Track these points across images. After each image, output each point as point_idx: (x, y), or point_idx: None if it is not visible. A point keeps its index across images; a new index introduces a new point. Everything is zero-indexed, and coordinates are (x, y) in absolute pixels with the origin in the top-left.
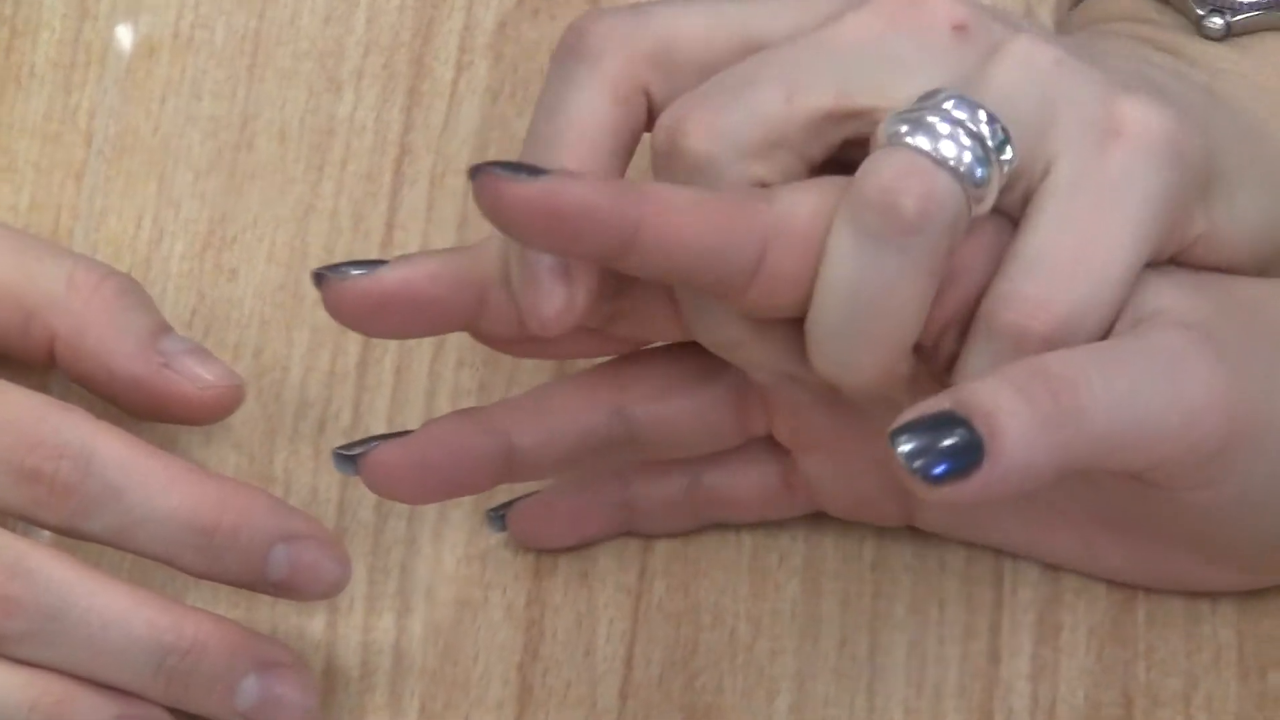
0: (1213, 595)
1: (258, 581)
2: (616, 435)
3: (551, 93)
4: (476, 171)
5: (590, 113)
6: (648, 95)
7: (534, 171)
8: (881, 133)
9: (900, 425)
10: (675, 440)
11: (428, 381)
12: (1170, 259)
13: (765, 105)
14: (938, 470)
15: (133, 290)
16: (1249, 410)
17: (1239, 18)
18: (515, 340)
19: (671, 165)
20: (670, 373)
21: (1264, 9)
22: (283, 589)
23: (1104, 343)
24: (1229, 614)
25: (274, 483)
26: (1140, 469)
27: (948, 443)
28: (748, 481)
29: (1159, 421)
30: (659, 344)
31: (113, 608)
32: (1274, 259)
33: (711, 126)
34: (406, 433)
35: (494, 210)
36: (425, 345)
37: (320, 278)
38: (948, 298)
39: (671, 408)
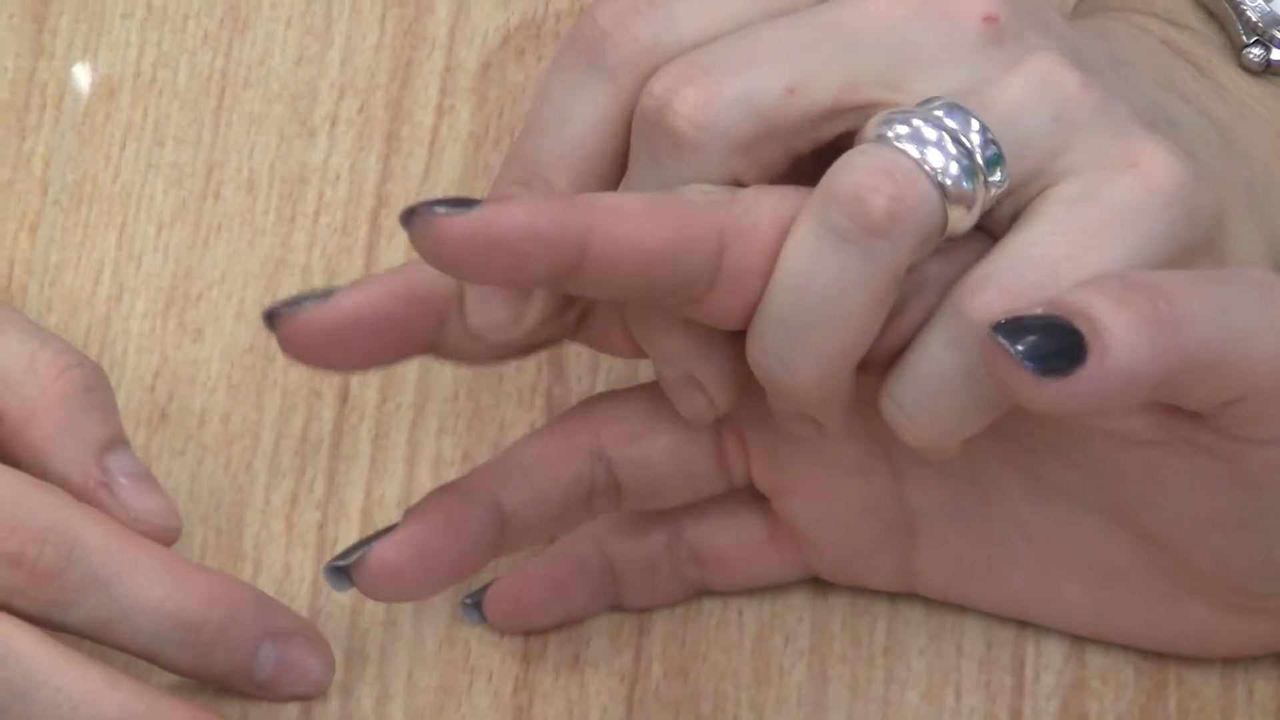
0: (1248, 679)
1: (243, 680)
2: (600, 482)
3: (558, 98)
4: (410, 215)
5: (600, 134)
6: None
7: (466, 204)
8: (870, 129)
9: (996, 325)
10: (656, 485)
11: (407, 449)
12: None
13: (763, 96)
14: (1037, 366)
15: (97, 388)
16: None
17: None
18: (481, 354)
19: (654, 135)
20: (645, 412)
21: None
22: (267, 688)
23: (1190, 270)
24: (1267, 704)
25: (243, 560)
26: (1231, 396)
27: (1049, 341)
28: (730, 534)
29: (1254, 342)
30: (634, 385)
31: (84, 688)
32: None
33: (705, 111)
34: (390, 529)
35: (435, 253)
36: (405, 410)
37: (273, 315)
38: (909, 311)
39: (648, 449)
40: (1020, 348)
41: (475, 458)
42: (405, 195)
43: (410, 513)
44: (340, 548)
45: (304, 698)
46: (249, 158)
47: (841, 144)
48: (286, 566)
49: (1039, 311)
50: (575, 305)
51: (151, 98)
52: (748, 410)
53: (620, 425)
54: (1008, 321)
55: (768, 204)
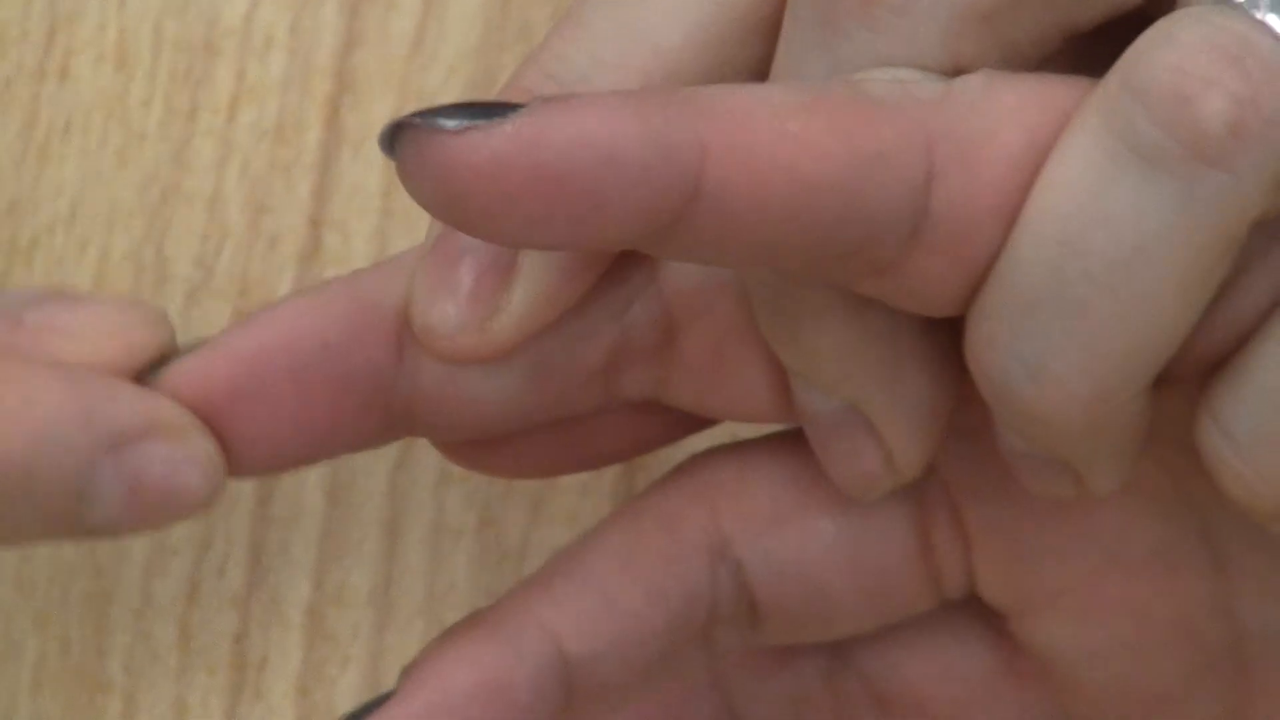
0: None
1: (73, 527)
2: (725, 600)
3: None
4: (397, 133)
5: (712, 36)
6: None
7: (494, 110)
8: None
9: None
10: (814, 603)
11: (385, 507)
12: None
13: None
14: None
15: None
16: None
17: None
18: (480, 440)
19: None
20: (793, 479)
21: None
22: (117, 526)
23: None
24: None
25: (108, 691)
26: None
27: None
28: (936, 664)
29: None
30: (776, 432)
31: None
32: None
33: None
34: (383, 699)
35: (442, 196)
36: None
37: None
38: (1251, 288)
39: (801, 542)
40: None
41: (506, 528)
42: (384, 75)
43: (414, 672)
44: (270, 678)
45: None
46: (119, 9)
47: (1153, 13)
48: (179, 704)
49: None
50: (628, 295)
51: None
52: (968, 471)
53: (753, 502)
54: None
55: (1010, 100)
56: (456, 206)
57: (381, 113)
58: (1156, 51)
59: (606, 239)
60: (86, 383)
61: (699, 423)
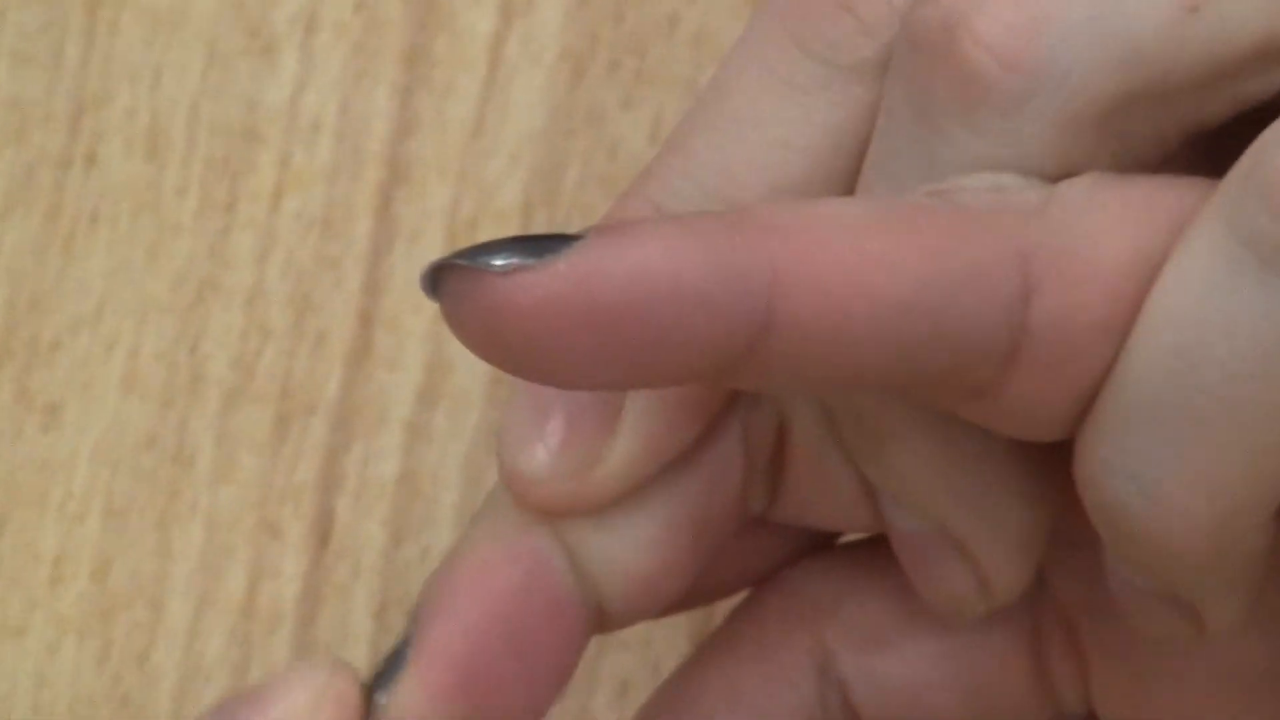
0: None
1: None
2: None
3: (755, 102)
4: (440, 274)
5: (830, 162)
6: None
7: (545, 245)
8: None
9: None
10: None
11: None
12: None
13: (1141, 20)
14: None
15: None
16: None
17: None
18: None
19: (927, 77)
20: (898, 592)
21: None
22: None
23: None
24: None
25: None
26: None
27: None
28: None
29: None
30: (872, 536)
31: None
32: None
33: (1029, 37)
34: None
35: (492, 340)
36: (438, 558)
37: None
38: None
39: (908, 661)
40: None
41: None
42: (440, 163)
43: None
44: None
45: None
46: (151, 91)
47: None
48: None
49: None
50: (745, 407)
51: None
52: (1081, 586)
53: (853, 619)
54: None
55: (1116, 206)
56: (507, 353)
57: (438, 203)
58: (1273, 151)
59: (671, 377)
60: None
61: (812, 539)
